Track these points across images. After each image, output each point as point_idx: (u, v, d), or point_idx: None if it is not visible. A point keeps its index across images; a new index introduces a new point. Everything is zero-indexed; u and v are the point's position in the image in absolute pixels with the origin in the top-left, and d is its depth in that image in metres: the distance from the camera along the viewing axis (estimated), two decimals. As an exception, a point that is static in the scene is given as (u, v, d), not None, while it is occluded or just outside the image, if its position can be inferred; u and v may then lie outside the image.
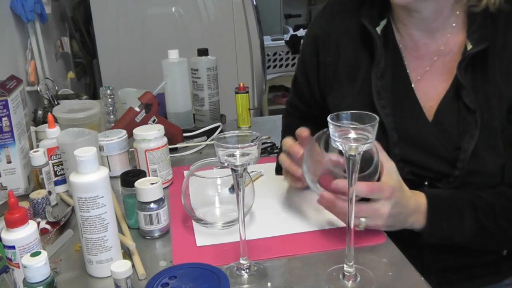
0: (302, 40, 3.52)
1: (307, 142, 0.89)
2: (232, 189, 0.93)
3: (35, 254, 0.67)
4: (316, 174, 0.88)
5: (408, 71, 0.99)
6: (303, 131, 0.91)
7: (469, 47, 0.91)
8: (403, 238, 0.88)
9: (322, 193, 0.84)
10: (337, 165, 0.86)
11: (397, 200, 0.83)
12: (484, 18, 0.91)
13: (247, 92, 1.51)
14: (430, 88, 0.97)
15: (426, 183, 0.96)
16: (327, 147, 0.87)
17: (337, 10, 1.07)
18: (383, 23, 0.99)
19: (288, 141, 0.94)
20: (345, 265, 0.78)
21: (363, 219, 0.83)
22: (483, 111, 0.90)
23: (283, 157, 0.96)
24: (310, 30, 1.13)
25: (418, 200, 0.88)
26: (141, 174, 0.96)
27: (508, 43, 0.91)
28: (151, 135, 1.10)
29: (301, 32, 3.49)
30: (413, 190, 0.89)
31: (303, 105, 1.20)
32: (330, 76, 1.07)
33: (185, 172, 1.07)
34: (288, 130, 1.23)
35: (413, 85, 0.98)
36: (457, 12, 0.95)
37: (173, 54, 1.43)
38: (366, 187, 0.81)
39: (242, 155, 0.73)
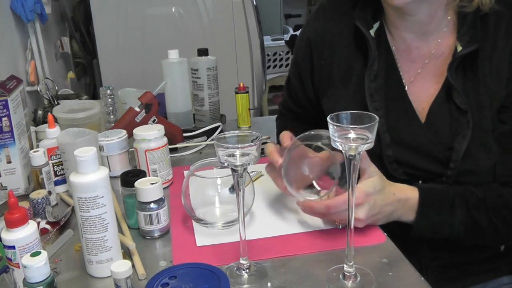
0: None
1: (288, 149, 0.90)
2: (232, 189, 0.93)
3: (35, 254, 0.67)
4: (296, 181, 0.90)
5: (401, 74, 0.99)
6: (285, 139, 0.91)
7: (459, 48, 0.91)
8: (401, 236, 0.88)
9: (302, 203, 0.87)
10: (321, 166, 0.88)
11: (373, 202, 0.85)
12: (474, 20, 0.92)
13: (247, 92, 1.51)
14: (422, 90, 0.98)
15: (420, 181, 0.97)
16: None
17: (331, 12, 1.07)
18: (376, 25, 1.00)
19: (269, 147, 0.93)
20: (345, 265, 0.78)
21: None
22: (474, 112, 0.91)
23: (267, 169, 0.97)
24: (304, 33, 1.13)
25: (406, 194, 0.89)
26: (141, 174, 0.96)
27: (497, 44, 0.91)
28: (151, 135, 1.10)
29: (301, 32, 3.49)
30: (404, 184, 0.91)
31: (297, 107, 1.20)
32: (324, 79, 1.07)
33: (185, 172, 1.07)
34: (281, 131, 1.23)
35: (406, 87, 0.98)
36: (449, 18, 0.96)
37: (173, 54, 1.43)
38: (323, 208, 0.85)
39: (242, 155, 0.73)
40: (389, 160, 0.96)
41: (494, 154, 0.92)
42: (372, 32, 0.98)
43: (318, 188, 0.91)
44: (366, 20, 0.99)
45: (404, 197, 0.89)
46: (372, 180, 0.85)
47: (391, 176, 0.94)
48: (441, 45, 0.97)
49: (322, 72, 1.07)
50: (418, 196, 0.89)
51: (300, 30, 1.18)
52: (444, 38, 0.97)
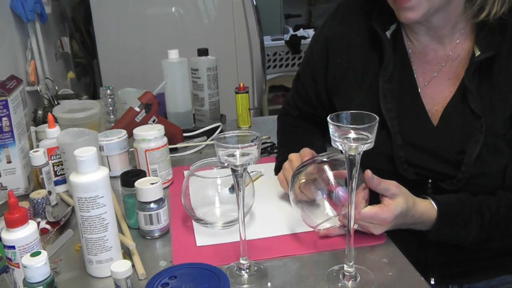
0: (304, 40, 3.48)
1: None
2: (232, 189, 0.93)
3: (35, 254, 0.67)
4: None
5: (415, 76, 0.99)
6: (305, 154, 0.95)
7: (477, 53, 0.92)
8: (407, 233, 0.89)
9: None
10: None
11: (394, 224, 0.85)
12: (492, 25, 0.92)
13: (247, 92, 1.51)
14: (437, 92, 0.98)
15: (430, 180, 0.97)
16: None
17: (349, 13, 1.08)
18: (392, 27, 1.00)
19: (282, 182, 1.00)
20: (345, 265, 0.78)
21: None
22: (487, 116, 0.91)
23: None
24: (321, 31, 1.12)
25: (423, 209, 0.88)
26: (141, 174, 0.96)
27: None
28: (151, 135, 1.10)
29: (301, 32, 3.49)
30: (421, 199, 0.89)
31: (306, 106, 1.20)
32: (339, 78, 1.07)
33: (185, 172, 1.07)
34: (285, 129, 1.23)
35: (419, 90, 0.98)
36: (465, 22, 0.96)
37: (173, 54, 1.43)
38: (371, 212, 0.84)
39: (242, 155, 0.73)
40: (400, 160, 0.96)
41: (505, 157, 0.92)
42: (388, 33, 0.99)
43: (331, 214, 0.88)
44: (383, 22, 1.00)
45: (420, 215, 0.88)
46: (400, 203, 0.83)
47: (401, 176, 0.94)
48: (458, 48, 0.97)
49: (337, 71, 1.07)
50: (436, 213, 0.88)
51: (317, 28, 1.18)
52: (461, 41, 0.97)
